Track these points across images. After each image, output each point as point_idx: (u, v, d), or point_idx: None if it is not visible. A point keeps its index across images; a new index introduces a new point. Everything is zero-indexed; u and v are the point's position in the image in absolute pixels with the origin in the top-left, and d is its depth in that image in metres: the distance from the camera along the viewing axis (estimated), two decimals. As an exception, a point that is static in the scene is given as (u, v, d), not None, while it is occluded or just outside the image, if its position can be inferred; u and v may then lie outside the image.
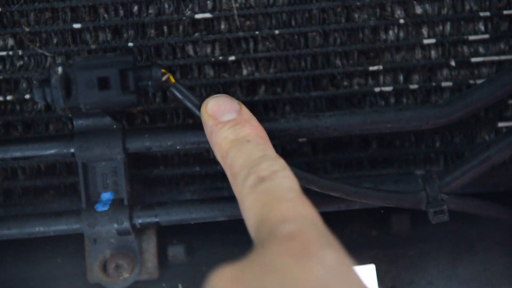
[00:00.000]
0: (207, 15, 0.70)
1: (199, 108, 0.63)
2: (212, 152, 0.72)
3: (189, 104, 0.63)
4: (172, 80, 0.62)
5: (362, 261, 0.77)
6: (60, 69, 0.59)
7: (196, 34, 0.71)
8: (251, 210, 0.51)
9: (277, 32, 0.71)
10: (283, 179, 0.53)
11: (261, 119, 0.69)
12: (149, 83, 0.60)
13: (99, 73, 0.58)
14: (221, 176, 0.74)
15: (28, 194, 0.75)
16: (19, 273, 0.77)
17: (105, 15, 0.71)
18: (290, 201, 0.50)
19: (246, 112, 0.60)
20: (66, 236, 0.71)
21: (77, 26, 0.70)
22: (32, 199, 0.75)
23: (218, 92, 0.72)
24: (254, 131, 0.59)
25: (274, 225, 0.47)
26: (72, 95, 0.59)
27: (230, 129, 0.59)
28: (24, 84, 0.72)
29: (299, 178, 0.65)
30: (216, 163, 0.73)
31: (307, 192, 0.67)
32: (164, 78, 0.61)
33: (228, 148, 0.57)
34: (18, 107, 0.73)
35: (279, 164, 0.54)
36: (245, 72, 0.72)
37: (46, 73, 0.60)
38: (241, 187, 0.54)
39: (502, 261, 0.77)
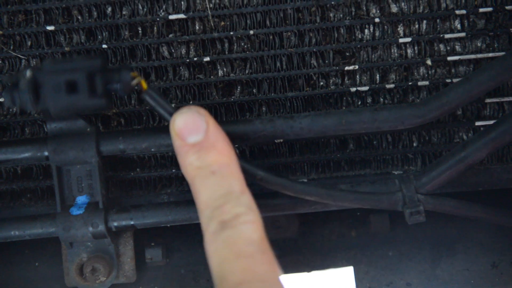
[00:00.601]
0: (181, 15, 0.70)
1: (171, 114, 0.62)
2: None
3: (161, 111, 0.62)
4: (144, 85, 0.61)
5: (341, 262, 0.76)
6: (28, 73, 0.58)
7: (171, 35, 0.70)
8: (212, 259, 0.53)
9: (251, 32, 0.70)
10: (245, 226, 0.54)
11: (236, 120, 0.69)
12: (118, 86, 0.59)
13: (67, 76, 0.58)
14: (198, 177, 0.74)
15: (4, 198, 0.74)
16: (-4, 277, 0.77)
17: (79, 17, 0.70)
18: (250, 258, 0.52)
19: (213, 133, 0.59)
20: (44, 240, 0.71)
21: (50, 28, 0.70)
22: (9, 202, 0.74)
23: (194, 94, 0.71)
24: (219, 157, 0.58)
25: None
26: (41, 99, 0.59)
27: (195, 154, 0.58)
28: (-2, 87, 0.72)
29: (273, 184, 0.65)
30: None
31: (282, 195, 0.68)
32: (134, 82, 0.60)
33: (193, 176, 0.58)
34: (-7, 111, 0.73)
35: (243, 204, 0.56)
36: (220, 73, 0.71)
37: (14, 77, 0.59)
38: (205, 230, 0.55)
39: (482, 261, 0.76)
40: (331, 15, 0.70)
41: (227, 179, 0.57)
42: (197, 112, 0.60)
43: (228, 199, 0.55)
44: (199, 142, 0.59)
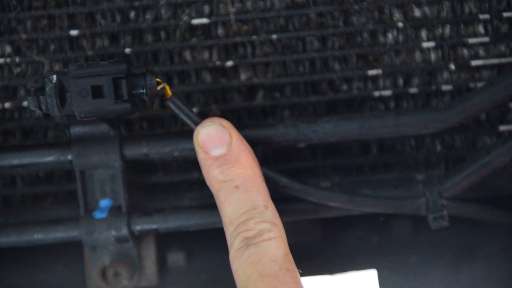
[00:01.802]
0: (204, 20, 0.70)
1: (195, 122, 0.62)
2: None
3: (185, 118, 0.62)
4: (169, 92, 0.61)
5: (363, 266, 0.76)
6: (54, 77, 0.59)
7: (194, 40, 0.71)
8: (237, 277, 0.55)
9: (274, 36, 0.70)
10: (268, 243, 0.55)
11: (259, 124, 0.69)
12: (144, 91, 0.59)
13: (93, 81, 0.58)
14: (220, 182, 0.74)
15: (26, 202, 0.75)
16: (19, 281, 0.77)
17: (102, 21, 0.70)
18: (274, 277, 0.54)
19: (236, 146, 0.60)
20: (65, 244, 0.71)
21: (74, 32, 0.70)
22: (31, 206, 0.74)
23: (216, 98, 0.71)
24: (243, 171, 0.59)
25: None
26: (67, 103, 0.59)
27: (219, 168, 0.59)
28: (22, 92, 0.72)
29: (296, 190, 0.65)
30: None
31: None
32: (159, 88, 0.60)
33: (218, 189, 0.59)
34: (16, 115, 0.73)
35: (266, 219, 0.57)
36: (243, 77, 0.71)
37: (40, 81, 0.59)
38: (230, 245, 0.57)
39: (504, 266, 0.76)
40: (354, 19, 0.70)
41: (251, 194, 0.58)
42: (220, 125, 0.60)
43: (252, 215, 0.57)
44: (222, 155, 0.59)
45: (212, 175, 0.59)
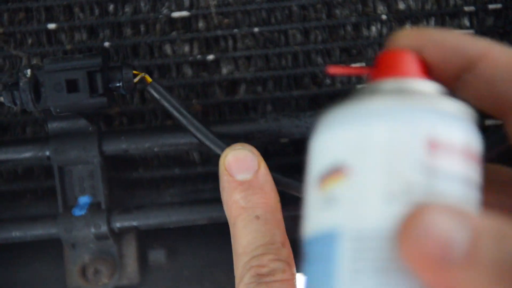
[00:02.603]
0: (185, 13, 0.69)
1: (176, 108, 0.61)
2: (192, 154, 0.71)
3: (166, 104, 0.61)
4: (149, 79, 0.60)
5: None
6: (28, 72, 0.57)
7: (174, 33, 0.69)
8: None
9: (256, 30, 0.69)
10: (280, 285, 0.53)
11: (240, 119, 0.67)
12: (120, 84, 0.58)
13: (67, 75, 0.57)
14: (202, 178, 0.73)
15: (5, 199, 0.73)
16: (-3, 279, 0.76)
17: (80, 15, 0.69)
18: None
19: (263, 175, 0.58)
20: (45, 241, 0.70)
21: (51, 26, 0.69)
22: (9, 203, 0.73)
23: (197, 92, 0.70)
24: (265, 201, 0.57)
25: None
26: (42, 98, 0.58)
27: (242, 193, 0.57)
28: (-1, 86, 0.71)
29: (279, 184, 0.64)
30: (197, 165, 0.72)
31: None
32: (136, 79, 0.59)
33: (237, 216, 0.57)
34: (-7, 110, 0.72)
35: (282, 257, 0.54)
36: (224, 71, 0.70)
37: (15, 75, 0.58)
38: (238, 278, 0.54)
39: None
40: (337, 12, 0.69)
41: (270, 227, 0.56)
42: (250, 151, 0.59)
43: (268, 250, 0.54)
44: (247, 180, 0.57)
45: (234, 199, 0.57)
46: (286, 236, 0.57)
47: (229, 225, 0.58)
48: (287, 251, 0.55)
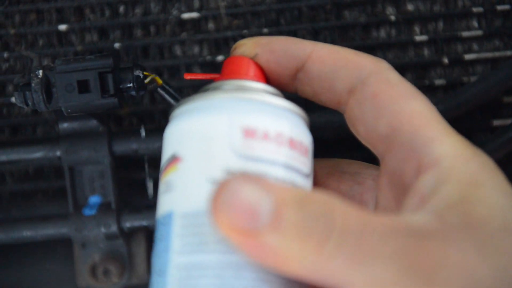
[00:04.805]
0: (194, 14, 0.69)
1: None
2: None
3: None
4: (159, 81, 0.61)
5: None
6: (40, 73, 0.58)
7: (184, 34, 0.70)
8: None
9: (266, 30, 0.69)
10: None
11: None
12: (131, 85, 0.59)
13: (79, 76, 0.57)
14: (212, 178, 0.73)
15: (16, 199, 0.74)
16: (7, 278, 0.76)
17: (91, 16, 0.70)
18: None
19: None
20: (55, 241, 0.71)
21: (62, 27, 0.69)
22: (20, 203, 0.74)
23: (207, 93, 0.71)
24: None
25: None
26: (53, 98, 0.58)
27: None
28: (10, 87, 0.71)
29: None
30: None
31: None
32: (147, 80, 0.60)
33: None
34: (5, 111, 0.72)
35: None
36: (234, 72, 0.70)
37: (26, 76, 0.59)
38: None
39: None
40: (347, 13, 0.69)
41: None
42: None
43: None
44: None
45: None
46: None
47: None
48: None
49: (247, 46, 0.52)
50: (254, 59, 0.52)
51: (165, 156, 0.48)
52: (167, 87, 0.61)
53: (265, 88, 0.50)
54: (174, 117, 0.50)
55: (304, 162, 0.48)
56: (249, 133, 0.45)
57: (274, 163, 0.45)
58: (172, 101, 0.62)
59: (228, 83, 0.50)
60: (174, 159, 0.47)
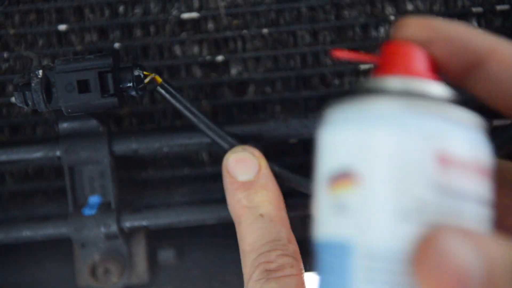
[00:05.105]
0: (194, 14, 0.69)
1: (186, 107, 0.61)
2: (201, 154, 0.71)
3: (177, 104, 0.62)
4: (159, 79, 0.61)
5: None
6: (40, 72, 0.58)
7: (183, 34, 0.70)
8: None
9: (265, 31, 0.69)
10: (289, 279, 0.53)
11: (249, 120, 0.68)
12: (131, 84, 0.59)
13: (79, 76, 0.57)
14: (211, 178, 0.73)
15: (15, 199, 0.74)
16: (7, 278, 0.76)
17: (91, 16, 0.70)
18: None
19: (264, 175, 0.59)
20: (55, 241, 0.71)
21: (62, 27, 0.69)
22: (20, 203, 0.74)
23: (206, 93, 0.71)
24: (268, 199, 0.58)
25: None
26: (53, 98, 0.58)
27: (244, 192, 0.58)
28: (10, 87, 0.71)
29: (288, 180, 0.64)
30: (206, 165, 0.72)
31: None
32: (147, 80, 0.60)
33: (241, 215, 0.57)
34: (4, 111, 0.72)
35: (289, 253, 0.54)
36: (233, 72, 0.71)
37: (26, 76, 0.59)
38: (247, 276, 0.54)
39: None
40: (346, 13, 0.69)
41: (275, 224, 0.56)
42: (251, 153, 0.60)
43: (275, 246, 0.55)
44: (249, 181, 0.58)
45: (237, 199, 0.58)
46: (292, 233, 0.57)
47: (234, 225, 0.59)
48: (294, 247, 0.56)
49: (418, 28, 0.43)
50: (425, 47, 0.43)
51: (329, 165, 0.42)
52: (166, 86, 0.61)
53: (449, 94, 0.42)
54: (338, 120, 0.42)
55: (491, 188, 0.41)
56: (445, 160, 0.39)
57: (471, 198, 0.39)
58: (172, 100, 0.61)
59: (404, 83, 0.42)
60: (347, 174, 0.40)
